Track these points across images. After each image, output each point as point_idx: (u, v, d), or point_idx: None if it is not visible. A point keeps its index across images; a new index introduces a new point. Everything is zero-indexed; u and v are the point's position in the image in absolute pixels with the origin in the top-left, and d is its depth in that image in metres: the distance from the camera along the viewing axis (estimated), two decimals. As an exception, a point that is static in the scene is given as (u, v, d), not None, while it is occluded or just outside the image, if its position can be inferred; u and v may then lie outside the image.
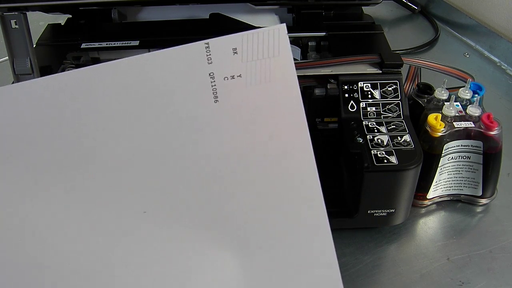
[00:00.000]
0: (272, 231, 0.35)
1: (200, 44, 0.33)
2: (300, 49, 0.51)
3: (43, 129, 0.34)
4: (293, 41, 0.51)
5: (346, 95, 0.43)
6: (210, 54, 0.33)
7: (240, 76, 0.34)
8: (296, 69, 0.33)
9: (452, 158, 0.44)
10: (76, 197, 0.35)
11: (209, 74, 0.34)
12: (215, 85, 0.34)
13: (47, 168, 0.35)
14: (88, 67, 0.34)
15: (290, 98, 0.34)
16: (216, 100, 0.34)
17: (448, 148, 0.43)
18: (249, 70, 0.34)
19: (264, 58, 0.34)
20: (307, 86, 0.45)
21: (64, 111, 0.34)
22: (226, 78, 0.34)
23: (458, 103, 0.45)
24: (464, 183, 0.46)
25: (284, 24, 0.33)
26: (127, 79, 0.34)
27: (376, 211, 0.42)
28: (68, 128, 0.34)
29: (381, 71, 0.44)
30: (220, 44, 0.34)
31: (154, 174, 0.35)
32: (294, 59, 0.35)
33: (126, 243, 0.35)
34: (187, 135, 0.35)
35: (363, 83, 0.43)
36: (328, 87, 0.44)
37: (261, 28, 0.34)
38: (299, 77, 0.34)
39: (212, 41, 0.33)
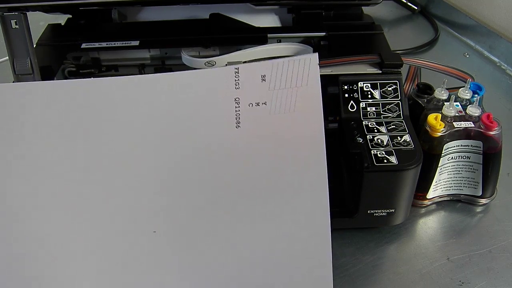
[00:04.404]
0: (279, 259, 0.35)
1: (230, 68, 0.33)
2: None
3: (62, 134, 0.34)
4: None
5: (346, 95, 0.43)
6: (238, 79, 0.33)
7: (265, 103, 0.33)
8: None
9: (452, 158, 0.44)
10: (88, 210, 0.34)
11: (235, 99, 0.33)
12: (239, 110, 0.33)
13: (58, 179, 0.34)
14: (112, 77, 0.34)
15: (312, 130, 0.33)
16: (238, 126, 0.34)
17: (448, 148, 0.43)
18: (274, 98, 0.33)
19: (292, 87, 0.33)
20: None
21: (85, 119, 0.34)
22: (250, 105, 0.33)
23: (458, 103, 0.45)
24: (464, 183, 0.46)
25: (317, 54, 0.32)
26: (150, 95, 0.34)
27: (376, 211, 0.42)
28: (88, 139, 0.34)
29: (381, 71, 0.44)
30: (250, 70, 0.33)
31: (166, 193, 0.34)
32: None
33: (135, 260, 0.35)
34: (204, 157, 0.34)
35: (363, 83, 0.43)
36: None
37: (293, 57, 0.33)
38: None
39: (242, 67, 0.33)
